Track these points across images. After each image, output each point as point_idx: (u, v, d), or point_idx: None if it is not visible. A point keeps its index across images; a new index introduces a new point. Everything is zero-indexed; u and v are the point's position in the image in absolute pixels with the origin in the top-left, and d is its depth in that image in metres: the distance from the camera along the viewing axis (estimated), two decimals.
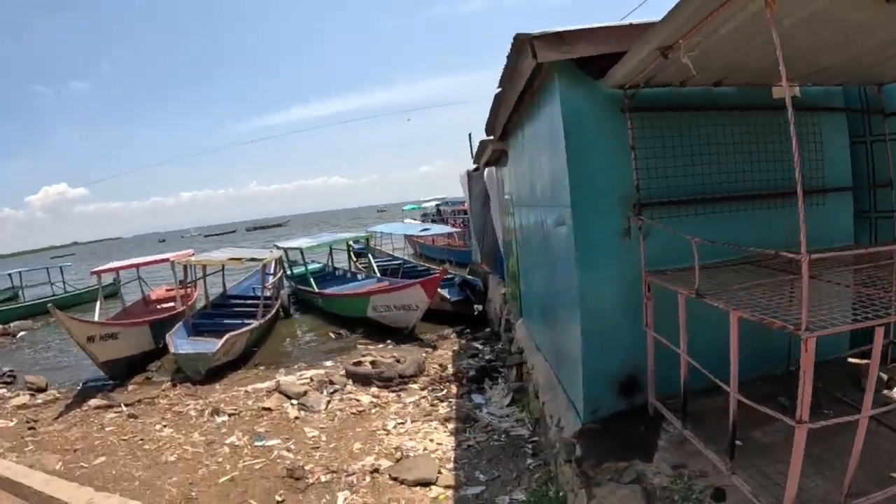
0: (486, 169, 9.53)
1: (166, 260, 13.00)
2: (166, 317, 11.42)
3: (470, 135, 15.06)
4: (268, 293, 14.05)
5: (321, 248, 15.64)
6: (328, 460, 5.30)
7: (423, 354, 8.50)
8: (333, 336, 11.18)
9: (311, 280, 13.73)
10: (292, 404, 6.84)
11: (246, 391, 7.87)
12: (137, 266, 13.63)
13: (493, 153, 8.14)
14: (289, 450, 5.57)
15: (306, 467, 5.13)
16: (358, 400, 6.83)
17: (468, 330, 10.49)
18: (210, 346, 9.16)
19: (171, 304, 14.59)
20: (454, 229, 15.44)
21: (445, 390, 6.99)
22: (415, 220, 36.38)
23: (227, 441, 5.91)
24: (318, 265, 16.40)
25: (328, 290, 13.23)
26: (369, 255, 15.37)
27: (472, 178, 11.51)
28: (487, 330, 10.27)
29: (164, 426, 6.70)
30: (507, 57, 3.89)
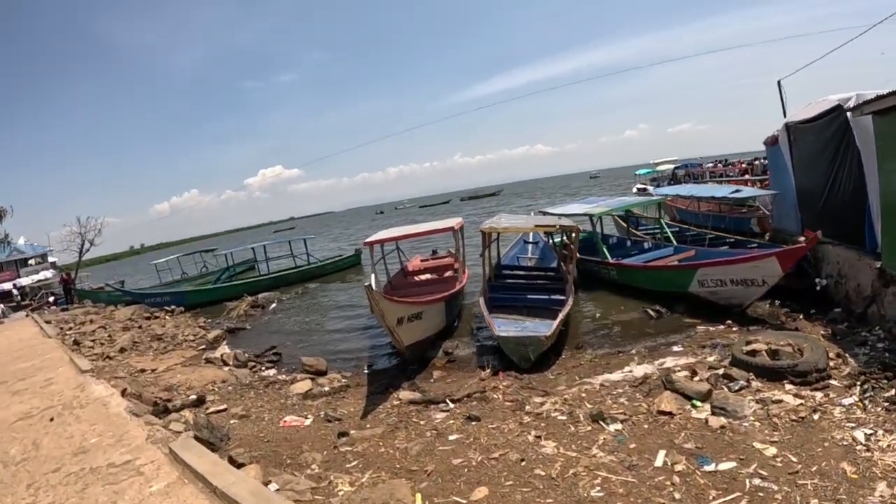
0: (858, 118, 7.62)
1: (449, 229, 12.09)
2: (456, 291, 10.81)
3: (779, 82, 13.49)
4: (552, 263, 13.24)
5: (613, 213, 14.56)
6: (830, 493, 3.87)
7: (821, 341, 6.85)
8: (653, 314, 9.81)
9: (604, 249, 12.42)
10: (695, 405, 5.53)
11: (602, 384, 6.71)
12: (409, 237, 12.70)
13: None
14: (762, 477, 4.17)
15: None
16: (783, 401, 5.48)
17: (814, 311, 8.60)
18: (540, 326, 8.31)
19: (429, 275, 14.28)
20: (763, 191, 13.56)
21: (894, 390, 5.38)
22: (645, 184, 34.57)
23: (656, 464, 4.54)
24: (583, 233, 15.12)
25: (629, 261, 11.90)
26: (662, 222, 13.78)
27: (803, 130, 9.79)
28: (838, 310, 8.43)
29: (538, 437, 5.32)
30: None
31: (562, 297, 9.80)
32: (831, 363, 6.26)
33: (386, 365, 9.35)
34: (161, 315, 18.27)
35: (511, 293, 10.79)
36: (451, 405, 6.70)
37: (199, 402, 7.74)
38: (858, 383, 5.67)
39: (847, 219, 8.49)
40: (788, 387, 5.75)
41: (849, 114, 7.85)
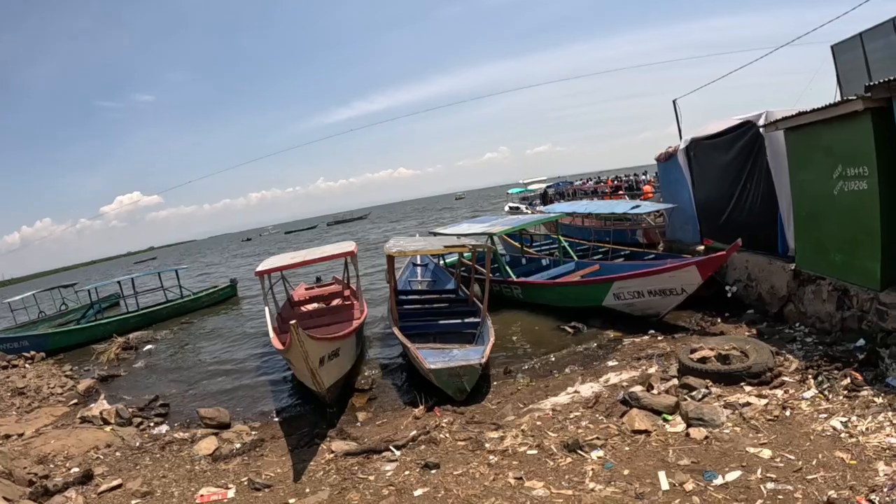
0: (771, 133, 8.04)
1: (347, 254, 10.96)
2: (362, 322, 9.82)
3: (675, 102, 14.34)
4: (447, 285, 12.79)
5: (513, 231, 14.17)
6: (841, 482, 3.76)
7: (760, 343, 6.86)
8: (570, 330, 9.54)
9: (508, 268, 12.16)
10: (667, 420, 5.21)
11: (553, 409, 6.18)
12: (303, 264, 11.19)
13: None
14: (774, 481, 3.89)
15: (839, 495, 3.55)
16: (750, 403, 5.33)
17: (728, 314, 8.84)
18: (469, 354, 7.71)
19: (316, 304, 13.15)
20: (662, 205, 13.96)
21: (848, 378, 5.44)
22: (517, 203, 35.68)
23: (663, 487, 4.06)
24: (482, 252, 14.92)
25: (535, 279, 11.69)
26: (560, 238, 13.76)
27: (706, 145, 10.49)
28: (751, 312, 8.73)
29: (518, 478, 4.58)
30: None
31: (475, 320, 9.37)
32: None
33: (298, 410, 8.09)
34: (20, 363, 14.78)
35: (419, 320, 10.15)
36: (398, 452, 5.76)
37: (86, 477, 6.12)
38: (811, 377, 5.67)
39: (756, 227, 8.83)
40: (748, 388, 5.63)
41: (761, 129, 8.22)
